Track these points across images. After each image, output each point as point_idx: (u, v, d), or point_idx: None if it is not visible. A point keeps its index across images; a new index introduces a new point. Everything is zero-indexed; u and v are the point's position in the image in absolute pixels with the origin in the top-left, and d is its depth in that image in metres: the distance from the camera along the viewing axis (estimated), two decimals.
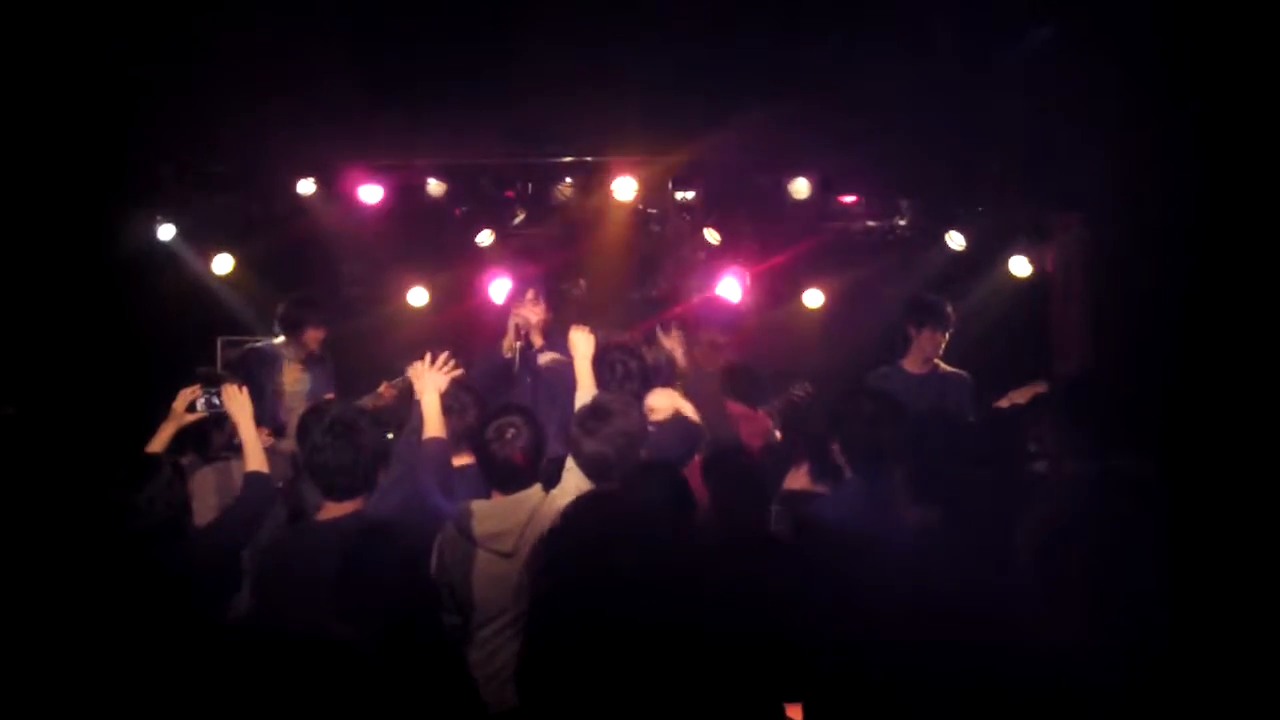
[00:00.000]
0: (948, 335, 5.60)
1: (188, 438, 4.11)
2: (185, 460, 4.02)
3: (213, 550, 3.40)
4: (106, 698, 2.79)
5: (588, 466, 3.47)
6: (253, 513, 3.57)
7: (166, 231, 6.64)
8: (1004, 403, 4.90)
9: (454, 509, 3.49)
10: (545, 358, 5.09)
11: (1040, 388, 4.83)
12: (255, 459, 3.68)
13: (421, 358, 3.92)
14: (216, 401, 3.87)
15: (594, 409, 3.56)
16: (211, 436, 4.31)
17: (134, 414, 5.04)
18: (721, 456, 3.98)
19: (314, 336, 6.03)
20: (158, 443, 3.83)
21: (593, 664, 2.29)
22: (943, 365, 5.63)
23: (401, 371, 4.14)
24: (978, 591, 2.72)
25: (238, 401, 3.80)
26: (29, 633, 2.94)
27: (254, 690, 2.04)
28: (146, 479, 3.29)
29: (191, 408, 3.91)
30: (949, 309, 5.63)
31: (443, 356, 3.92)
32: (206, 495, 4.04)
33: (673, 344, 4.88)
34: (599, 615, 2.33)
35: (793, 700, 2.38)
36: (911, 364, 5.63)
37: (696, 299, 6.71)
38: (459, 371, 3.96)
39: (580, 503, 2.72)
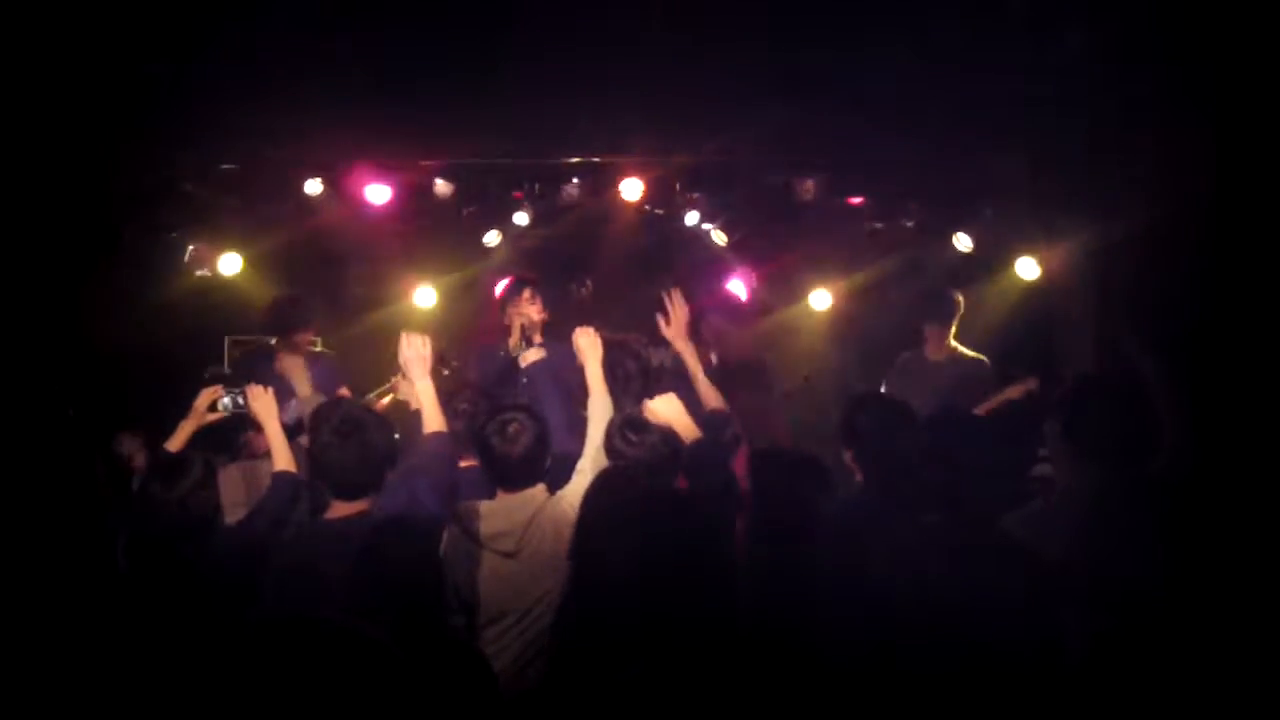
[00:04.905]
0: (954, 323, 5.73)
1: (211, 437, 4.12)
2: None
3: (242, 548, 3.41)
4: (132, 694, 2.81)
5: (633, 469, 3.48)
6: (281, 511, 3.58)
7: (175, 231, 6.67)
8: (995, 401, 4.92)
9: (444, 511, 3.49)
10: (529, 355, 4.95)
11: (1032, 384, 4.85)
12: (283, 458, 3.68)
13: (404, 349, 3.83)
14: (241, 402, 3.89)
15: (631, 422, 3.57)
16: (236, 438, 4.32)
17: (143, 412, 5.07)
18: (766, 454, 3.96)
19: (304, 339, 5.75)
20: (176, 441, 3.85)
21: (624, 656, 2.30)
22: (962, 350, 5.76)
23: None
24: (982, 595, 2.73)
25: (262, 402, 3.82)
26: (55, 630, 2.95)
27: (277, 684, 2.05)
28: (180, 478, 3.31)
29: (213, 408, 3.94)
30: (951, 300, 5.77)
31: (421, 337, 3.82)
32: (234, 493, 4.04)
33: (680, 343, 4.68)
34: (635, 608, 2.35)
35: (807, 694, 2.39)
36: (931, 351, 5.80)
37: (703, 300, 6.72)
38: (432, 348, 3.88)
39: (621, 496, 2.76)
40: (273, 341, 6.02)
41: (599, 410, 3.75)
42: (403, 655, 1.92)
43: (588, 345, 3.99)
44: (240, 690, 2.13)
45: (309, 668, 1.95)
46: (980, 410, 4.90)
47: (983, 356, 5.84)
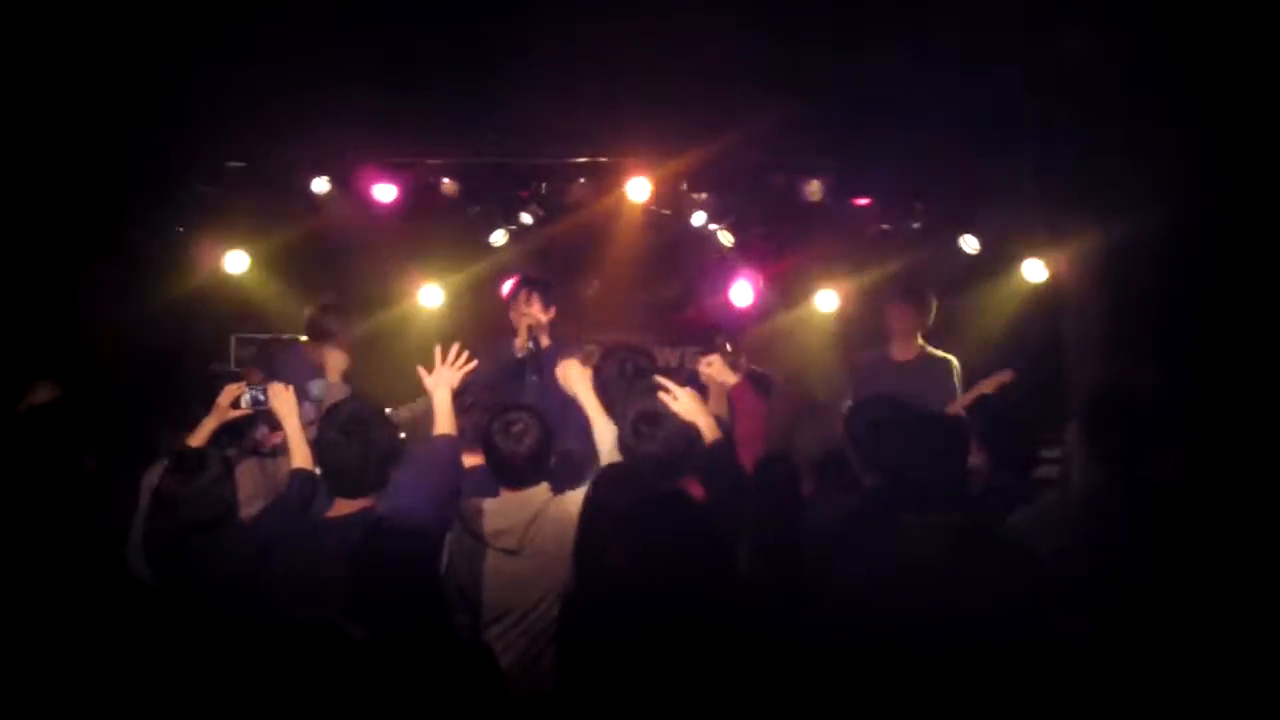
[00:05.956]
0: (926, 317, 5.58)
1: (228, 431, 4.13)
2: (231, 453, 4.03)
3: (256, 545, 3.40)
4: (133, 690, 2.81)
5: (644, 467, 3.43)
6: (296, 509, 3.58)
7: (182, 229, 6.69)
8: (971, 395, 4.87)
9: (442, 514, 3.48)
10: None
11: (1006, 377, 4.80)
12: (300, 456, 3.68)
13: (433, 356, 3.89)
14: (262, 399, 3.89)
15: (645, 415, 3.49)
16: (244, 431, 4.33)
17: (150, 409, 5.08)
18: (770, 461, 3.92)
19: (335, 360, 5.19)
20: (199, 436, 3.86)
21: (630, 656, 2.30)
22: (929, 349, 5.63)
23: (411, 368, 4.08)
24: (983, 594, 2.72)
25: (283, 399, 3.82)
26: (62, 623, 2.96)
27: (263, 685, 2.05)
28: (197, 472, 3.32)
29: (236, 404, 3.94)
30: (918, 286, 5.64)
31: (454, 350, 3.89)
32: (248, 488, 4.03)
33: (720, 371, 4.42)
34: (640, 608, 2.35)
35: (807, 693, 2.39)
36: (896, 349, 5.64)
37: (709, 301, 6.72)
38: (473, 364, 3.92)
39: (623, 494, 2.76)
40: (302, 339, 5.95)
41: (605, 435, 3.67)
42: (393, 657, 1.93)
43: (576, 377, 3.86)
44: (241, 691, 2.14)
45: (307, 671, 1.96)
46: (955, 406, 4.84)
47: (949, 355, 5.64)
